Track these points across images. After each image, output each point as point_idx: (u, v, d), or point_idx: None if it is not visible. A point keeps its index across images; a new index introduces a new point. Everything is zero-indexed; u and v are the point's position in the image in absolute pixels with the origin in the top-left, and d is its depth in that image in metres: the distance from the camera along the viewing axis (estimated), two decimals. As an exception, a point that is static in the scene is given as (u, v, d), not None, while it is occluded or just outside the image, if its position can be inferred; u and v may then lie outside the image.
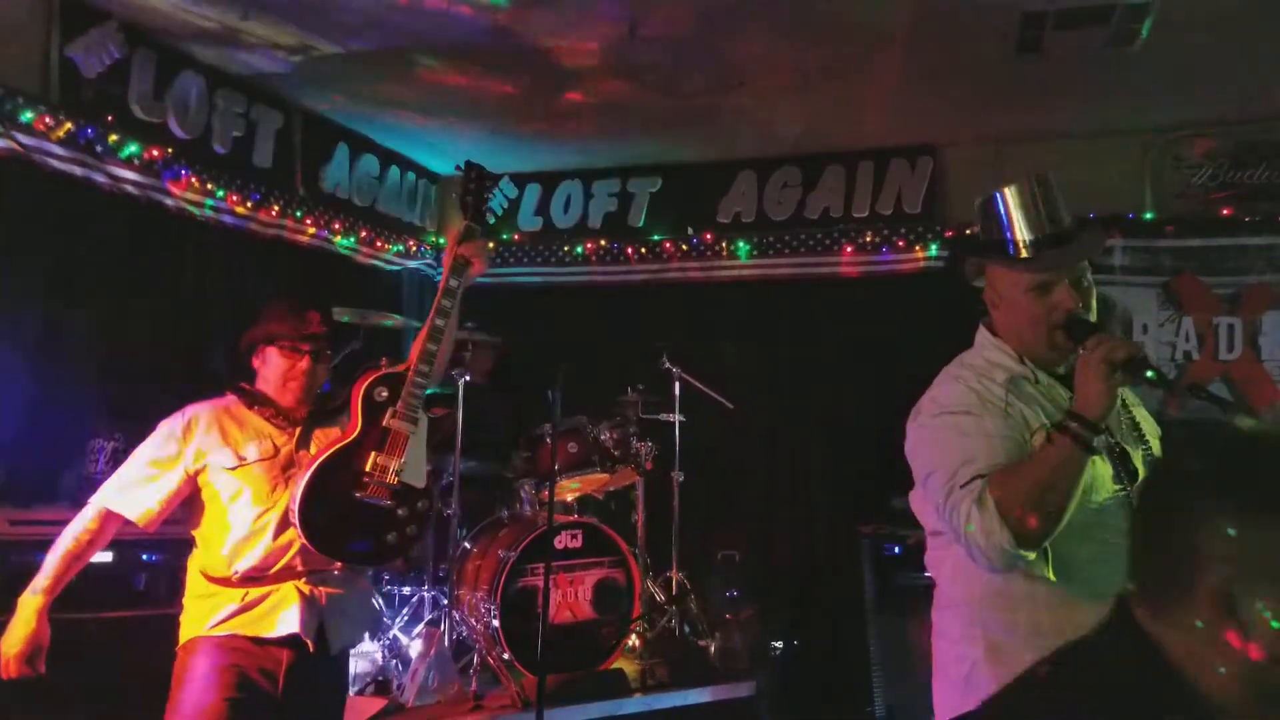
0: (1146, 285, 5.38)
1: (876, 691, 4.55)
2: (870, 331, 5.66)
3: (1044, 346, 1.97)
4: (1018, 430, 1.88)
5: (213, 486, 2.64)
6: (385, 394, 2.78)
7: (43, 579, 2.48)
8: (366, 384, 2.77)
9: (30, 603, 2.45)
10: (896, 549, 4.59)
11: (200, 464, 2.63)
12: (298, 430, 2.77)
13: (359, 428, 2.72)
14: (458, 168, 3.02)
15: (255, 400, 2.75)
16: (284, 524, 2.63)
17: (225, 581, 2.60)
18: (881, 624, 4.62)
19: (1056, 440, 1.74)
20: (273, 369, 2.76)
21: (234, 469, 2.63)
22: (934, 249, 5.75)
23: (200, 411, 2.71)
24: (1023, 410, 1.92)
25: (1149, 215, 5.45)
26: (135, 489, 2.60)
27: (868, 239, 5.88)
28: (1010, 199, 1.99)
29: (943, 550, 2.04)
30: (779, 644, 5.02)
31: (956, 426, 1.90)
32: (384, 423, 2.73)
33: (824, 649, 5.12)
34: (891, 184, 5.91)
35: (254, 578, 2.60)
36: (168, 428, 2.68)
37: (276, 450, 2.71)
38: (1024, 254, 1.97)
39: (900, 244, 5.82)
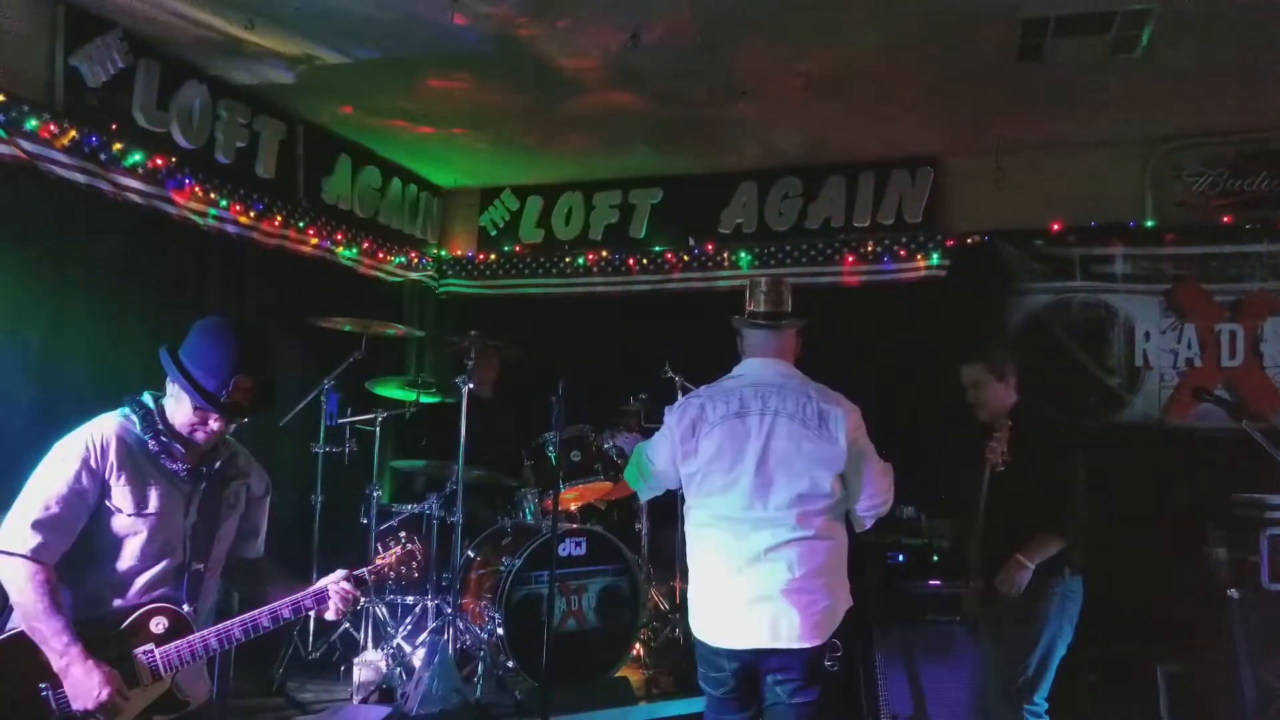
0: (1149, 293, 5.39)
1: (882, 700, 4.51)
2: (872, 340, 5.65)
3: None
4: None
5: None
6: (162, 628, 2.37)
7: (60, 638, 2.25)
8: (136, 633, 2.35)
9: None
10: (900, 557, 4.55)
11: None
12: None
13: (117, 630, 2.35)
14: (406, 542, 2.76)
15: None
16: None
17: None
18: (886, 632, 4.58)
19: None
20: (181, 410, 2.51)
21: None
22: (935, 258, 5.76)
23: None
24: None
25: (1150, 223, 5.46)
26: None
27: (869, 249, 5.89)
28: (761, 284, 3.14)
29: None
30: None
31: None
32: (135, 654, 2.34)
33: (828, 657, 5.10)
34: (892, 194, 5.93)
35: None
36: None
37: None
38: (759, 321, 3.15)
39: (901, 253, 5.83)
